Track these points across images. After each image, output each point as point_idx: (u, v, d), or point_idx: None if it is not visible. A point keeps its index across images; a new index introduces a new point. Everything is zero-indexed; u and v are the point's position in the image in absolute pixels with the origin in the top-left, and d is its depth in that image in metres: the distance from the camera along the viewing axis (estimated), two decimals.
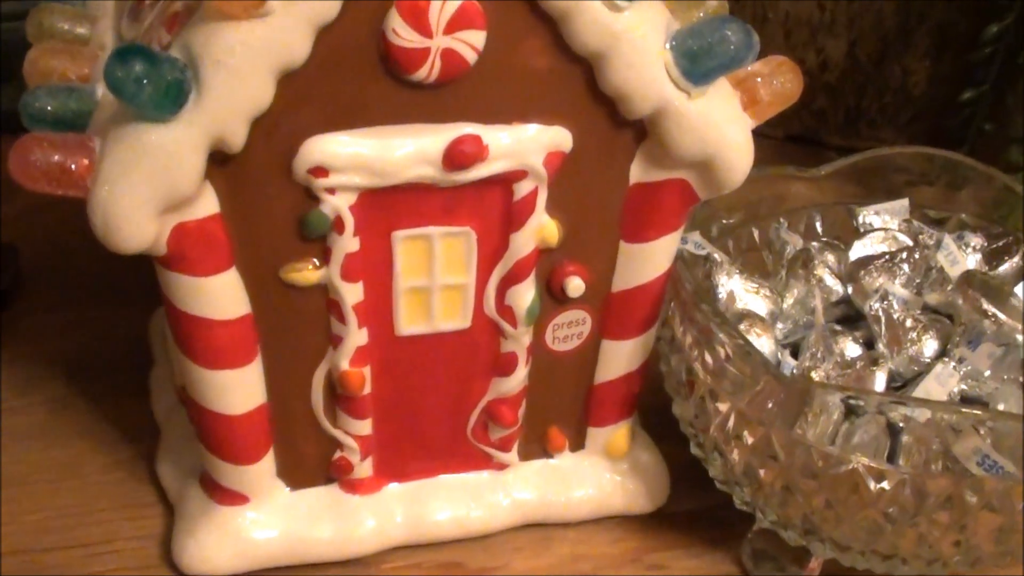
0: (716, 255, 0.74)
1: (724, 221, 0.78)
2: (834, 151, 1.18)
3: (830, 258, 0.77)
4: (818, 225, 0.81)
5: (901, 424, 0.62)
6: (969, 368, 0.68)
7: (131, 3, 0.64)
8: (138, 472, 0.78)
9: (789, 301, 0.74)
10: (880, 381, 0.67)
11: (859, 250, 0.77)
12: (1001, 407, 0.67)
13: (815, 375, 0.68)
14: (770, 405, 0.62)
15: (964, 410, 0.61)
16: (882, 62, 1.10)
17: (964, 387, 0.68)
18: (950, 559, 0.65)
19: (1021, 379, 0.68)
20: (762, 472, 0.65)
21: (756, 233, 0.79)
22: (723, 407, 0.65)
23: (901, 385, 0.70)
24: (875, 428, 0.62)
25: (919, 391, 0.67)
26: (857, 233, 0.79)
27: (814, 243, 0.79)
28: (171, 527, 0.73)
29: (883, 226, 0.79)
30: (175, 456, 0.76)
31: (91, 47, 0.65)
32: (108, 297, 0.90)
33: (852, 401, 0.61)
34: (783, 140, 1.17)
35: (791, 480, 0.64)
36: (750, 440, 0.64)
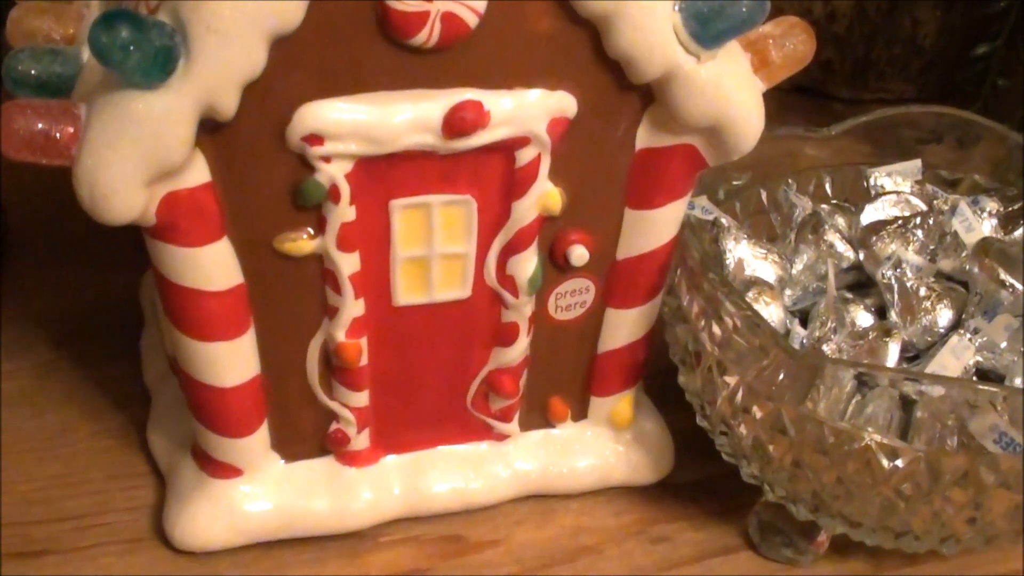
0: (723, 219, 0.72)
1: (732, 183, 0.76)
2: (841, 103, 1.16)
3: (840, 222, 0.75)
4: (828, 186, 0.79)
5: (915, 397, 0.60)
6: (985, 339, 0.66)
7: None
8: (129, 440, 0.77)
9: (798, 267, 0.73)
10: (893, 352, 0.66)
11: (871, 214, 0.75)
12: (1017, 381, 0.65)
13: (826, 347, 0.66)
14: (780, 379, 0.61)
15: (981, 387, 0.59)
16: (891, 12, 1.08)
17: (980, 359, 0.67)
18: (964, 536, 0.63)
19: None
20: (771, 447, 0.63)
21: (764, 195, 0.78)
22: (731, 380, 0.63)
23: (914, 355, 0.69)
24: (888, 401, 0.61)
25: (934, 364, 0.66)
26: (868, 195, 0.77)
27: (824, 206, 0.77)
28: (163, 498, 0.71)
29: (895, 188, 0.77)
30: (166, 425, 0.74)
31: (76, 5, 0.63)
32: (98, 257, 0.88)
33: (865, 375, 0.59)
34: (789, 92, 1.15)
35: (801, 456, 0.62)
36: (759, 414, 0.63)
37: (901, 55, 1.12)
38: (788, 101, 1.15)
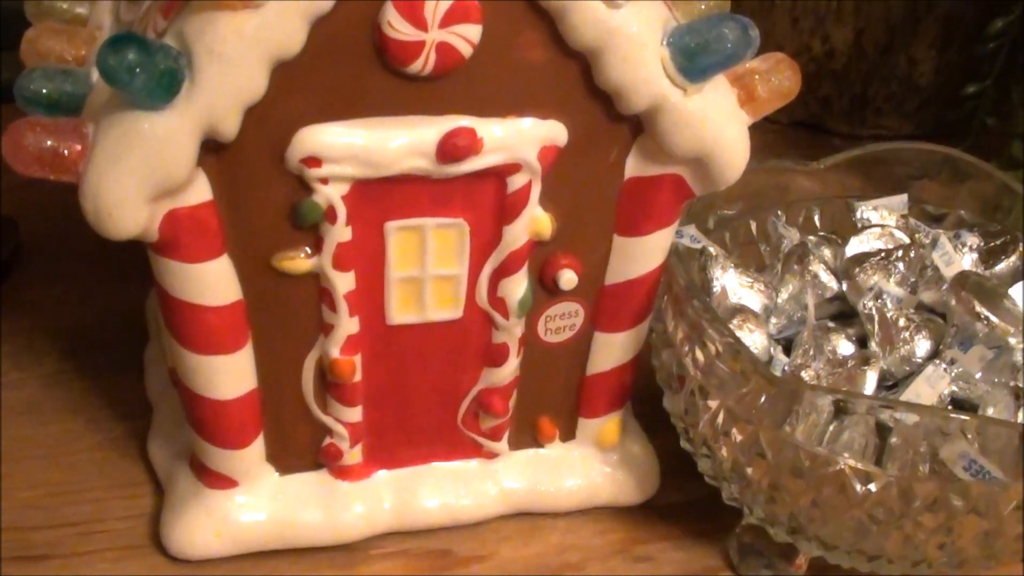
0: (711, 248, 0.74)
1: (721, 213, 0.78)
2: (839, 138, 1.18)
3: (826, 253, 0.77)
4: (816, 219, 0.81)
5: (890, 424, 0.62)
6: (960, 370, 0.68)
7: None
8: (130, 450, 0.78)
9: (784, 296, 0.74)
10: (871, 381, 0.67)
11: (855, 246, 0.76)
12: (991, 411, 0.67)
13: (805, 374, 0.68)
14: (759, 403, 0.62)
15: (952, 415, 0.61)
16: (888, 51, 1.10)
17: (955, 389, 0.68)
18: (935, 561, 0.65)
19: (1012, 383, 0.68)
20: (750, 470, 0.65)
21: (754, 226, 0.79)
22: (712, 404, 0.65)
23: (892, 384, 0.70)
24: (864, 428, 0.62)
25: (909, 392, 0.67)
26: (855, 228, 0.79)
27: (811, 237, 0.79)
28: (161, 507, 0.73)
29: (881, 221, 0.78)
30: (166, 437, 0.76)
31: (89, 28, 0.65)
32: (107, 271, 0.91)
33: (842, 402, 0.61)
34: (788, 126, 1.17)
35: (778, 479, 0.63)
36: (738, 438, 0.64)
37: (898, 92, 1.14)
38: (787, 135, 1.17)
